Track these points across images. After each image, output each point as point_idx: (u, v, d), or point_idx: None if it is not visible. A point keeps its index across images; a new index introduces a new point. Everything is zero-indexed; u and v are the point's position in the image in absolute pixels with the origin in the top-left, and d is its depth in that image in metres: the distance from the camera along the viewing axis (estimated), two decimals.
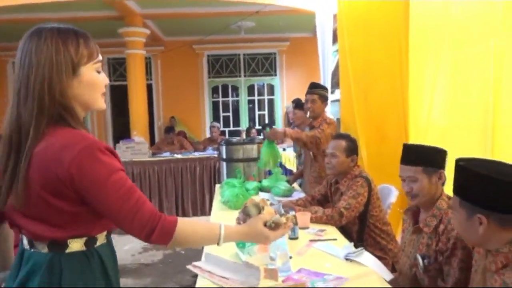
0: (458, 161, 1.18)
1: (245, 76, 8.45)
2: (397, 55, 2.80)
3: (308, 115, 3.18)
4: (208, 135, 7.23)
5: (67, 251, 0.97)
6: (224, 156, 3.47)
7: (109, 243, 1.07)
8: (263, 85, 8.63)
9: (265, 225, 1.17)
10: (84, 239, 0.98)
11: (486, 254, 1.25)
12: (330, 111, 5.42)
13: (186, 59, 8.01)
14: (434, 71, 2.57)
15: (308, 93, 3.12)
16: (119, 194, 0.94)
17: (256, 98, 8.62)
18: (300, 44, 7.92)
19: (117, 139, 7.63)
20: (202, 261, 1.63)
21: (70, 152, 0.91)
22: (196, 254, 1.67)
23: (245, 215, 1.43)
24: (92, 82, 1.01)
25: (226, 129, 8.42)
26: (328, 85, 4.97)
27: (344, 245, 1.74)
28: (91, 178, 0.92)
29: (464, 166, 1.14)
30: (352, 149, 2.36)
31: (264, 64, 8.47)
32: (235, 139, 4.05)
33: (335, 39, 4.57)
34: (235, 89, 8.57)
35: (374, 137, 3.24)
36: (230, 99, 8.60)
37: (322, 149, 2.83)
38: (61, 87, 0.95)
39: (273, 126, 6.86)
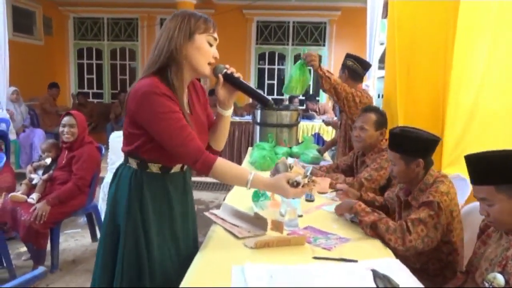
0: (471, 157, 1.23)
1: (293, 44, 8.34)
2: (443, 31, 2.69)
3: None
4: (250, 101, 7.32)
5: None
6: (258, 120, 3.56)
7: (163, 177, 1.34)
8: None
9: (288, 182, 1.29)
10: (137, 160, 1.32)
11: (501, 235, 1.26)
12: (376, 88, 5.30)
13: (236, 24, 8.02)
14: (480, 51, 2.46)
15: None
16: (171, 129, 1.21)
17: None
18: (351, 15, 7.63)
19: None
20: (219, 210, 1.76)
21: (135, 94, 1.22)
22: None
23: (276, 171, 1.54)
24: (201, 48, 1.28)
25: (270, 97, 8.42)
26: (374, 59, 4.83)
27: None
28: (146, 115, 1.22)
29: (482, 155, 1.20)
30: (382, 122, 2.35)
31: (313, 34, 8.28)
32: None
33: (386, 13, 4.40)
34: (282, 57, 8.50)
35: (412, 113, 3.16)
36: (276, 67, 8.57)
37: (338, 100, 2.71)
38: (178, 44, 1.26)
39: (317, 98, 6.74)
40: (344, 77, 2.95)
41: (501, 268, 1.19)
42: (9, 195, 2.78)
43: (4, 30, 4.99)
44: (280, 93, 8.51)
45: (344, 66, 2.96)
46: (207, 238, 1.51)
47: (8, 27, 5.59)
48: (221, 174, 1.28)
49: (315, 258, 1.34)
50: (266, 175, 2.51)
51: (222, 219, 1.64)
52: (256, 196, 1.80)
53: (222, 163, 1.28)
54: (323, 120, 5.54)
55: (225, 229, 1.57)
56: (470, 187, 2.20)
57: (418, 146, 1.66)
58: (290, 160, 2.95)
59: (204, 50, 1.28)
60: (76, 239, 3.40)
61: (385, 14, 4.51)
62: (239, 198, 1.92)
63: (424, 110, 2.98)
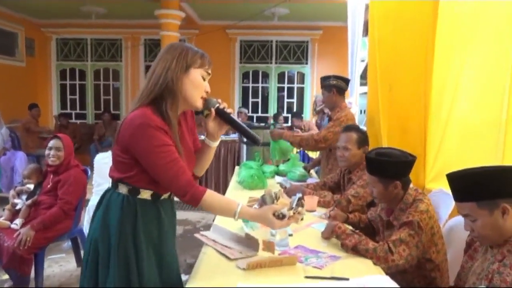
0: (452, 175, 1.29)
1: (276, 63, 8.48)
2: (423, 49, 2.79)
3: (319, 109, 3.24)
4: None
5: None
6: (245, 139, 3.58)
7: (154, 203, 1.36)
8: (294, 73, 8.63)
9: (274, 214, 1.33)
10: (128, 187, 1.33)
11: (486, 249, 1.31)
12: (358, 103, 5.41)
13: (219, 43, 8.12)
14: (459, 67, 2.56)
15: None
16: (163, 162, 1.25)
17: (286, 85, 8.64)
18: (333, 33, 7.83)
19: None
20: (209, 231, 1.76)
21: (130, 125, 1.26)
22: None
23: (262, 202, 1.56)
24: (195, 82, 1.33)
25: (255, 115, 8.51)
26: (355, 76, 4.95)
27: None
28: (140, 148, 1.25)
29: (462, 173, 1.24)
30: (363, 140, 2.41)
31: (296, 52, 8.45)
32: (256, 124, 4.15)
33: (366, 31, 4.54)
34: (266, 75, 8.62)
35: (396, 129, 3.25)
36: (260, 85, 8.67)
37: (327, 147, 2.90)
38: (175, 76, 1.29)
39: (302, 115, 6.84)
40: (332, 96, 3.07)
41: (488, 282, 1.22)
42: None
43: None
44: (264, 111, 8.60)
45: (330, 86, 3.08)
46: (199, 260, 1.51)
47: None
48: (209, 207, 1.33)
49: (307, 277, 1.35)
50: (254, 194, 2.56)
51: (213, 240, 1.65)
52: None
53: (210, 196, 1.31)
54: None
55: (217, 250, 1.57)
56: (453, 201, 2.27)
57: (393, 169, 1.71)
58: (278, 179, 2.98)
59: (198, 84, 1.33)
60: (61, 265, 3.32)
61: (365, 33, 4.66)
62: (229, 219, 1.92)
63: (407, 126, 3.06)
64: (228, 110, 1.39)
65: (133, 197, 1.33)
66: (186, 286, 1.29)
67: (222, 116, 1.39)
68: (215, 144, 1.48)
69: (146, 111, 1.26)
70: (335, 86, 3.08)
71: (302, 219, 2.02)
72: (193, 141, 1.49)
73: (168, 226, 1.40)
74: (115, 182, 1.35)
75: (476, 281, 1.29)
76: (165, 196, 1.39)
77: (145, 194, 1.34)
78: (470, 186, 1.24)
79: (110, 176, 1.37)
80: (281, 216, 1.32)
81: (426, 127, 2.74)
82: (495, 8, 2.25)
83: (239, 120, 1.44)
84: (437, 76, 2.66)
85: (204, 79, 1.35)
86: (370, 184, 1.81)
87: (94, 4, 6.76)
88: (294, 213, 1.36)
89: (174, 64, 1.30)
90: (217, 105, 1.38)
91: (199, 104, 1.35)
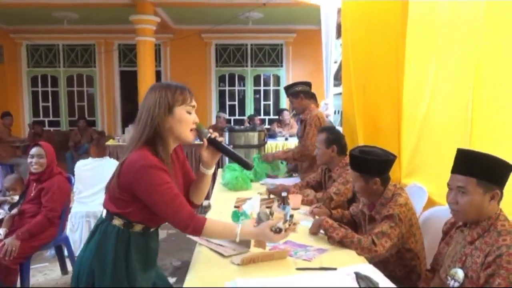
0: (466, 150, 1.43)
1: (252, 66, 8.59)
2: (394, 51, 2.94)
3: (292, 115, 3.40)
4: (213, 123, 7.42)
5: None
6: (227, 142, 3.66)
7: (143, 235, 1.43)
8: (269, 75, 8.77)
9: (271, 229, 1.44)
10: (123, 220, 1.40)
11: (462, 229, 1.44)
12: (333, 104, 5.58)
13: (195, 48, 8.16)
14: (428, 68, 2.72)
15: (287, 96, 3.37)
16: (165, 199, 1.32)
17: (262, 88, 8.77)
18: (306, 36, 8.03)
19: (125, 123, 7.87)
20: None
21: (132, 168, 1.32)
22: None
23: (259, 220, 1.66)
24: (181, 120, 1.38)
25: (232, 118, 8.59)
26: (330, 77, 5.12)
27: None
28: (143, 188, 1.32)
29: (476, 153, 1.38)
30: (331, 140, 2.54)
31: (271, 55, 8.59)
32: (237, 127, 4.23)
33: (339, 33, 4.70)
34: (242, 78, 8.72)
35: (371, 129, 3.40)
36: (236, 88, 8.76)
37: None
38: (160, 121, 1.35)
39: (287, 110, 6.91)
40: (300, 101, 3.28)
41: (461, 264, 1.36)
42: None
43: None
44: (241, 113, 8.69)
45: (297, 92, 3.28)
46: (194, 258, 1.58)
47: None
48: (211, 234, 1.42)
49: (298, 269, 1.45)
50: (239, 195, 2.64)
51: (207, 240, 1.72)
52: (236, 216, 1.90)
53: (210, 225, 1.39)
54: (286, 138, 5.74)
55: (211, 249, 1.64)
56: (427, 194, 2.43)
57: (374, 166, 1.84)
58: (265, 180, 3.08)
59: (185, 121, 1.38)
60: (45, 274, 3.29)
61: (338, 35, 4.82)
62: (218, 218, 1.99)
63: (382, 125, 3.22)
64: (219, 139, 1.46)
65: (127, 230, 1.40)
66: (186, 280, 1.36)
67: (214, 145, 1.46)
68: (211, 171, 1.54)
69: (144, 152, 1.33)
70: (301, 92, 3.27)
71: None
72: (186, 173, 1.56)
73: (154, 253, 1.51)
74: (111, 215, 1.41)
75: (451, 264, 1.43)
76: (153, 229, 1.48)
77: (138, 228, 1.41)
78: (479, 165, 1.36)
79: (105, 207, 1.43)
80: (278, 230, 1.44)
81: (399, 126, 2.89)
82: (461, 11, 2.41)
83: (230, 148, 1.51)
84: (408, 77, 2.81)
85: (190, 113, 1.40)
86: (352, 179, 1.93)
87: (66, 9, 6.67)
88: (289, 225, 1.48)
89: (157, 109, 1.35)
90: (209, 135, 1.44)
91: (190, 138, 1.41)
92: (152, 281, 1.51)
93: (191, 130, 1.40)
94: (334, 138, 2.56)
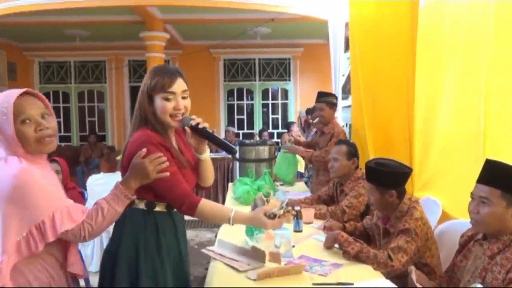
0: (494, 161, 1.41)
1: (259, 80, 8.66)
2: (403, 63, 2.96)
3: (316, 121, 3.41)
4: (222, 136, 7.46)
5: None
6: (238, 156, 3.68)
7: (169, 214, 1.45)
8: (277, 89, 8.83)
9: (265, 214, 1.39)
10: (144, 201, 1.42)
11: (481, 243, 1.43)
12: (341, 117, 5.59)
13: (203, 63, 8.26)
14: (439, 79, 2.72)
15: (316, 101, 3.36)
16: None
17: (270, 102, 8.82)
18: (314, 50, 8.09)
19: None
20: (215, 246, 1.83)
21: (133, 144, 1.38)
22: (209, 245, 1.88)
23: (254, 206, 1.64)
24: (159, 107, 1.42)
25: (240, 132, 8.63)
26: (339, 91, 5.14)
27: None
28: None
29: (505, 165, 1.37)
30: (352, 152, 2.55)
31: (279, 69, 8.66)
32: (248, 141, 4.27)
33: (347, 47, 4.74)
34: (250, 92, 8.79)
35: (381, 142, 3.39)
36: (244, 102, 8.82)
37: None
38: (144, 108, 1.43)
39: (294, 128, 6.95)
40: (331, 112, 3.39)
41: (481, 279, 1.34)
42: None
43: None
44: (250, 127, 8.72)
45: (332, 104, 3.38)
46: (209, 273, 1.58)
47: None
48: (204, 215, 1.40)
49: (315, 284, 1.44)
50: (249, 209, 2.64)
51: (220, 254, 1.72)
52: (250, 231, 1.90)
53: (205, 205, 1.39)
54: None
55: (225, 263, 1.64)
56: (440, 208, 2.41)
57: (390, 179, 1.84)
58: (277, 194, 3.08)
59: (162, 108, 1.41)
60: None
61: (346, 48, 4.86)
62: (231, 233, 2.00)
63: (393, 138, 3.21)
64: (202, 125, 1.46)
65: (151, 211, 1.43)
66: None
67: (197, 132, 1.46)
68: (203, 156, 1.55)
69: (145, 131, 1.39)
70: (335, 104, 3.39)
71: (301, 230, 2.12)
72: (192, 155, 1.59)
73: (181, 236, 1.52)
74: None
75: (470, 279, 1.41)
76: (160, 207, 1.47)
77: (160, 207, 1.44)
78: (506, 177, 1.35)
79: None
80: (272, 216, 1.38)
81: (411, 139, 2.88)
82: (471, 21, 2.42)
83: (213, 133, 1.52)
84: (418, 89, 2.82)
85: (169, 100, 1.41)
86: (367, 192, 1.92)
87: (78, 27, 6.81)
88: (284, 212, 1.40)
89: (141, 97, 1.44)
90: (191, 122, 1.45)
91: (172, 123, 1.44)
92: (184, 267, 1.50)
93: (171, 115, 1.42)
94: (355, 151, 2.57)
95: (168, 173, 1.34)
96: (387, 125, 3.33)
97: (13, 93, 1.21)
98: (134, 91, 8.47)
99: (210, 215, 1.41)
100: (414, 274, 1.47)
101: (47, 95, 8.60)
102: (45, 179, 1.21)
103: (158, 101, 1.41)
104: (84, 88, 8.61)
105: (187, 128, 1.45)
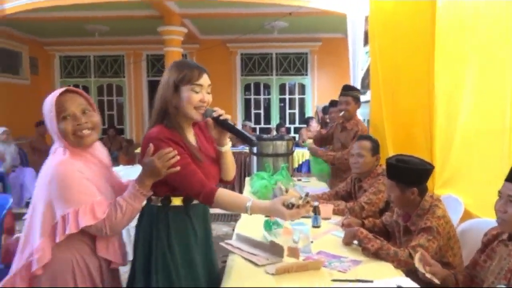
0: None
1: (277, 74, 8.63)
2: (423, 57, 2.89)
3: (341, 115, 3.33)
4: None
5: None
6: (255, 151, 3.67)
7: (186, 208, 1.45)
8: (294, 84, 8.77)
9: (283, 204, 1.35)
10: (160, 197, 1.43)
11: (506, 243, 1.39)
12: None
13: (220, 57, 8.26)
14: (460, 74, 2.66)
15: (342, 95, 3.30)
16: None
17: (287, 96, 8.78)
18: (331, 45, 8.00)
19: None
20: (233, 240, 1.84)
21: (144, 141, 1.40)
22: (226, 239, 1.89)
23: (273, 196, 1.63)
24: (185, 98, 1.41)
25: (257, 126, 8.63)
26: (358, 86, 5.07)
27: None
28: None
29: None
30: (376, 148, 2.51)
31: (296, 64, 8.61)
32: (265, 135, 4.26)
33: (366, 41, 4.67)
34: (267, 87, 8.76)
35: (401, 137, 3.33)
36: (261, 97, 8.81)
37: None
38: (168, 98, 1.42)
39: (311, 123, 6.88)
40: (356, 108, 3.33)
41: (506, 281, 1.31)
42: (14, 236, 2.78)
43: None
44: (266, 122, 8.71)
45: (358, 98, 3.33)
46: (228, 267, 1.58)
47: None
48: (222, 204, 1.40)
49: (334, 280, 1.43)
50: None
51: (239, 248, 1.72)
52: (268, 226, 1.89)
53: (222, 194, 1.39)
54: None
55: (244, 257, 1.64)
56: (463, 206, 2.35)
57: (411, 176, 1.80)
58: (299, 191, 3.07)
59: (189, 100, 1.41)
60: None
61: (365, 42, 4.79)
62: (249, 228, 2.00)
63: (413, 133, 3.15)
64: (223, 117, 1.47)
65: (165, 207, 1.44)
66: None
67: (219, 123, 1.47)
68: (224, 149, 1.56)
69: (157, 128, 1.41)
70: (359, 100, 3.31)
71: (319, 226, 2.11)
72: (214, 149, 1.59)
73: (200, 231, 1.49)
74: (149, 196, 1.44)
75: (495, 280, 1.38)
76: (196, 201, 1.46)
77: (177, 201, 1.44)
78: None
79: None
80: (290, 206, 1.33)
81: (432, 135, 2.82)
82: (495, 15, 2.34)
83: (234, 125, 1.51)
84: (439, 84, 2.76)
85: (196, 92, 1.42)
86: (388, 189, 1.89)
87: (98, 22, 6.90)
88: (303, 203, 1.35)
89: (166, 88, 1.43)
90: (213, 114, 1.46)
91: (195, 116, 1.44)
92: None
93: (196, 108, 1.42)
94: (378, 147, 2.53)
95: (178, 168, 1.35)
96: (407, 120, 3.26)
97: (57, 92, 1.35)
98: (152, 85, 8.56)
99: (228, 203, 1.41)
100: (418, 262, 1.46)
101: None
102: (82, 172, 1.32)
103: (185, 92, 1.41)
104: (103, 82, 8.74)
105: (209, 119, 1.46)
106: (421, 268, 1.49)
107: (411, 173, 1.79)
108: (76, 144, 1.35)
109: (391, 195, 1.86)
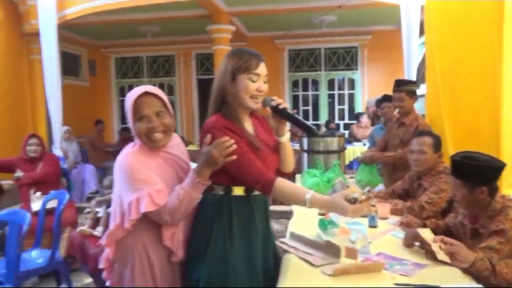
0: None
1: (325, 70, 8.47)
2: (489, 51, 2.70)
3: (396, 113, 3.17)
4: (288, 128, 7.40)
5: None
6: (306, 148, 3.63)
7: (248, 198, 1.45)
8: (343, 79, 8.57)
9: (345, 199, 1.30)
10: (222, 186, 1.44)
11: None
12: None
13: (268, 54, 8.19)
14: None
15: (394, 91, 3.12)
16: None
17: (336, 92, 8.59)
18: (382, 37, 7.71)
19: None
20: (287, 238, 1.81)
21: (203, 130, 1.42)
22: (281, 237, 1.86)
23: (334, 191, 1.58)
24: (242, 87, 1.41)
25: (308, 123, 8.50)
26: (413, 78, 4.84)
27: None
28: None
29: None
30: (438, 144, 2.38)
31: (345, 58, 8.39)
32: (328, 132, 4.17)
33: (422, 31, 4.44)
34: (315, 83, 8.63)
35: (462, 133, 3.14)
36: (310, 93, 8.69)
37: None
38: (225, 86, 1.43)
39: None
40: (412, 102, 3.12)
41: None
42: (78, 229, 2.95)
43: (58, 74, 5.40)
44: (315, 118, 8.58)
45: (413, 92, 3.10)
46: (284, 266, 1.56)
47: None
48: (280, 194, 1.37)
49: (397, 284, 1.36)
50: None
51: (294, 247, 1.69)
52: (323, 225, 1.85)
53: (281, 183, 1.37)
54: (364, 144, 5.49)
55: (299, 257, 1.62)
56: None
57: (480, 174, 1.67)
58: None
59: (246, 88, 1.41)
60: None
61: (421, 33, 4.55)
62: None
63: (477, 130, 2.95)
64: (282, 106, 1.44)
65: (227, 196, 1.43)
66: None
67: (278, 112, 1.46)
68: (284, 139, 1.54)
69: (215, 117, 1.42)
70: (415, 93, 3.09)
71: (376, 226, 2.03)
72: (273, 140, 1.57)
73: (260, 224, 1.48)
74: (211, 185, 1.44)
75: None
76: (257, 192, 1.45)
77: (239, 190, 1.44)
78: None
79: None
80: (353, 201, 1.28)
81: (498, 131, 2.63)
82: None
83: (294, 114, 1.48)
84: (507, 78, 2.56)
85: (254, 81, 1.41)
86: (453, 188, 1.77)
87: (150, 23, 7.15)
88: (366, 198, 1.29)
89: (223, 76, 1.43)
90: (271, 103, 1.45)
91: (251, 104, 1.43)
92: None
93: (252, 97, 1.41)
94: (440, 143, 2.38)
95: (235, 157, 1.34)
96: (470, 115, 3.06)
97: (134, 93, 1.43)
98: (201, 83, 8.73)
99: (287, 193, 1.37)
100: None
101: (122, 89, 9.19)
102: (144, 162, 1.39)
103: (242, 80, 1.41)
104: (155, 81, 9.05)
105: (268, 109, 1.46)
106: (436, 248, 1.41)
107: (480, 171, 1.66)
108: (148, 145, 1.43)
109: (457, 195, 1.74)
